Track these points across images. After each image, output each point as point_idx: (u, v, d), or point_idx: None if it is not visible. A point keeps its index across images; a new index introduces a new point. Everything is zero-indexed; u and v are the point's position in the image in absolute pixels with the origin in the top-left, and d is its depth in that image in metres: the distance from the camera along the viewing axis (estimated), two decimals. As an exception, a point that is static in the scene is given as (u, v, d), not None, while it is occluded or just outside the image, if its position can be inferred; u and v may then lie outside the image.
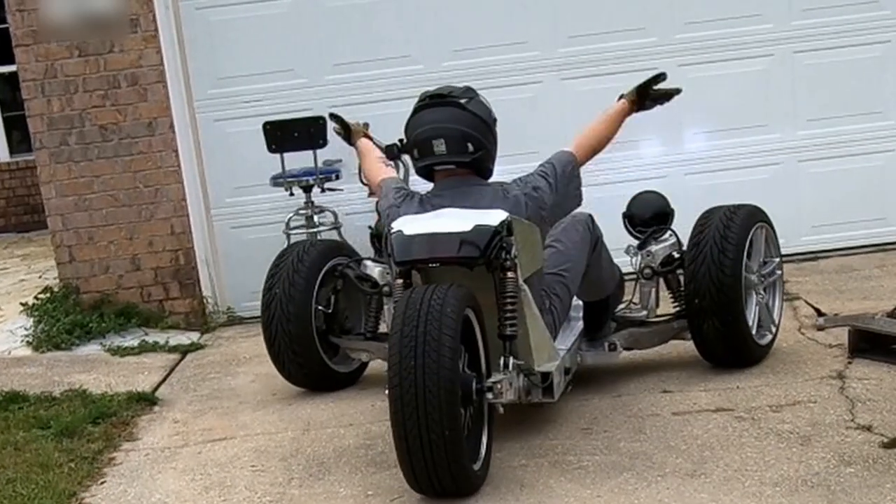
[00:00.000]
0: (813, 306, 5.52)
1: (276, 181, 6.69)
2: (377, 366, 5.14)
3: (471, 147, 4.22)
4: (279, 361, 5.14)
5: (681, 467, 3.87)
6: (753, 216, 4.89)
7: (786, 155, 6.96)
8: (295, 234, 6.70)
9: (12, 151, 11.77)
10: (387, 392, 3.72)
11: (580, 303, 4.91)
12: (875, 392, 4.39)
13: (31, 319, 6.73)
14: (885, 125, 6.92)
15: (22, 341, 6.48)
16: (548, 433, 4.32)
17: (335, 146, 6.58)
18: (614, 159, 6.82)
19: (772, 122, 6.94)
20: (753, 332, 4.81)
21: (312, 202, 6.72)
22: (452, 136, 4.20)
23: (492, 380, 3.94)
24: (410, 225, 4.03)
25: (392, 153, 4.51)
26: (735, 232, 4.71)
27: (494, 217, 3.98)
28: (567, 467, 3.97)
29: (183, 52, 6.80)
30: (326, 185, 6.71)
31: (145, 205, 6.76)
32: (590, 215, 4.76)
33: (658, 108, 4.69)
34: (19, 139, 11.48)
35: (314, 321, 5.01)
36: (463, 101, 4.25)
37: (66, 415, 5.05)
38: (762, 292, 4.93)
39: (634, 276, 4.92)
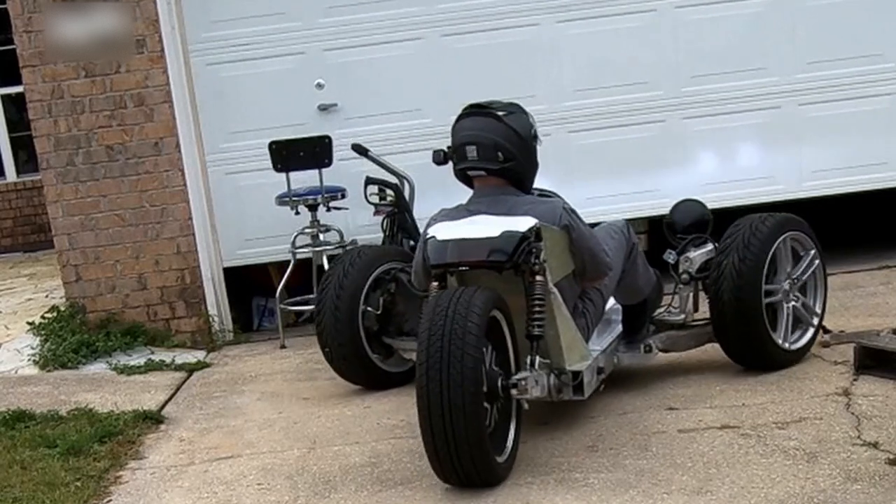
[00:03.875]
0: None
1: (282, 200, 6.71)
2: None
3: (500, 156, 4.42)
4: (330, 359, 5.42)
5: (687, 484, 3.87)
6: (781, 228, 4.98)
7: (785, 98, 6.87)
8: (300, 252, 6.72)
9: (19, 171, 11.82)
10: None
11: (619, 306, 5.11)
12: (881, 409, 4.39)
13: (38, 338, 6.74)
14: (885, 67, 6.84)
15: (28, 360, 6.49)
16: (554, 451, 4.32)
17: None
18: (613, 103, 6.86)
19: (770, 64, 6.87)
20: (781, 340, 4.95)
21: (318, 221, 6.73)
22: (484, 143, 4.43)
23: (516, 377, 4.13)
24: (443, 231, 4.25)
25: (438, 158, 4.69)
26: (756, 247, 4.83)
27: (523, 223, 4.17)
28: (573, 485, 3.97)
29: (189, 72, 6.83)
30: (332, 203, 6.73)
31: (151, 224, 6.79)
32: (626, 222, 5.05)
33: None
34: (26, 159, 11.54)
35: (362, 321, 5.27)
36: (501, 113, 4.48)
37: (73, 433, 5.05)
38: (797, 295, 5.05)
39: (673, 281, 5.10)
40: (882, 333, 5.00)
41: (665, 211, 6.85)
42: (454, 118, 6.86)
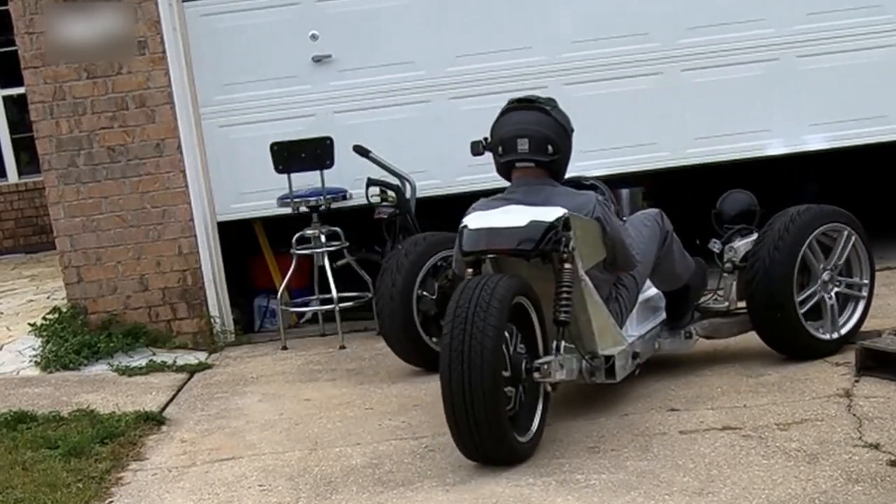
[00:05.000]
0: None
1: (284, 201, 6.71)
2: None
3: (550, 149, 4.61)
4: (387, 339, 5.72)
5: (688, 486, 3.87)
6: (820, 219, 5.08)
7: (784, 50, 6.81)
8: (301, 253, 6.72)
9: (21, 173, 11.83)
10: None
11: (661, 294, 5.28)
12: (882, 410, 4.39)
13: (40, 340, 6.75)
14: (884, 19, 6.78)
15: (30, 361, 6.50)
16: (555, 452, 4.32)
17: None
18: (610, 55, 6.82)
19: (769, 15, 6.82)
20: (828, 335, 5.09)
21: (320, 222, 6.73)
22: (536, 136, 4.60)
23: (539, 361, 4.30)
24: (476, 220, 4.47)
25: (477, 150, 4.81)
26: (791, 236, 4.96)
27: (551, 213, 4.35)
28: (574, 486, 3.97)
29: (190, 73, 6.83)
30: (334, 205, 6.74)
31: (153, 225, 6.79)
32: (659, 211, 5.17)
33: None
34: (27, 160, 11.54)
35: (417, 306, 5.56)
36: (547, 108, 4.67)
37: (74, 434, 5.05)
38: (830, 291, 5.13)
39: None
40: (884, 334, 5.00)
41: (662, 165, 6.90)
42: (448, 69, 6.74)
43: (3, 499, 4.39)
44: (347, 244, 6.78)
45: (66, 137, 6.73)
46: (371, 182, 6.66)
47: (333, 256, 6.74)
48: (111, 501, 4.40)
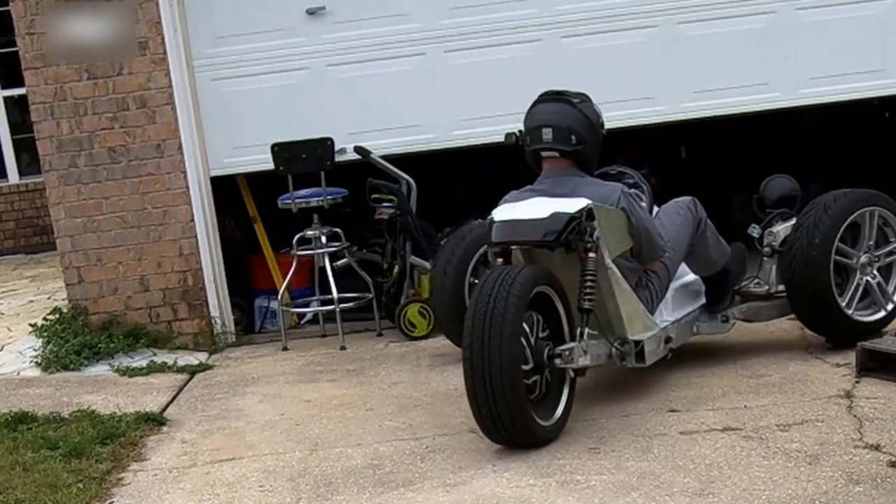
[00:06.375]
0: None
1: (284, 202, 6.72)
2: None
3: (574, 139, 4.78)
4: (440, 324, 5.99)
5: (689, 487, 3.87)
6: (856, 204, 5.16)
7: (781, 3, 6.74)
8: (302, 253, 6.72)
9: (21, 173, 11.81)
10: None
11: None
12: (883, 411, 4.39)
13: (40, 340, 6.74)
14: None
15: (31, 362, 6.49)
16: (556, 453, 4.32)
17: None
18: (607, 7, 6.73)
19: None
20: (850, 311, 5.16)
21: (320, 223, 6.73)
22: (559, 127, 4.79)
23: (560, 347, 4.46)
24: (502, 213, 4.66)
25: (510, 141, 4.96)
26: (829, 220, 5.05)
27: (574, 205, 4.51)
28: (575, 487, 3.97)
29: (192, 74, 6.82)
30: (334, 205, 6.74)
31: (153, 226, 6.79)
32: (693, 199, 5.27)
33: None
34: (28, 161, 11.53)
35: (467, 293, 5.66)
36: (575, 100, 4.86)
37: (75, 435, 5.05)
38: (874, 272, 5.23)
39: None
40: (885, 335, 5.00)
41: (659, 119, 6.84)
42: (443, 22, 6.71)
43: (4, 499, 4.39)
44: (348, 244, 6.78)
45: (67, 138, 6.73)
46: (372, 184, 6.67)
47: (334, 257, 6.74)
48: (112, 502, 4.40)
